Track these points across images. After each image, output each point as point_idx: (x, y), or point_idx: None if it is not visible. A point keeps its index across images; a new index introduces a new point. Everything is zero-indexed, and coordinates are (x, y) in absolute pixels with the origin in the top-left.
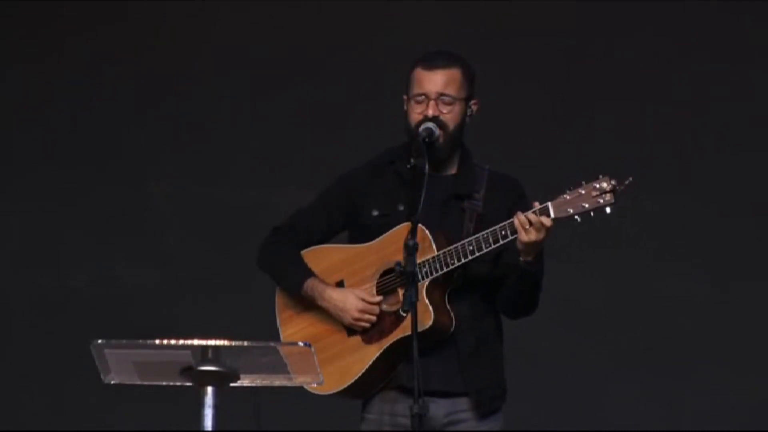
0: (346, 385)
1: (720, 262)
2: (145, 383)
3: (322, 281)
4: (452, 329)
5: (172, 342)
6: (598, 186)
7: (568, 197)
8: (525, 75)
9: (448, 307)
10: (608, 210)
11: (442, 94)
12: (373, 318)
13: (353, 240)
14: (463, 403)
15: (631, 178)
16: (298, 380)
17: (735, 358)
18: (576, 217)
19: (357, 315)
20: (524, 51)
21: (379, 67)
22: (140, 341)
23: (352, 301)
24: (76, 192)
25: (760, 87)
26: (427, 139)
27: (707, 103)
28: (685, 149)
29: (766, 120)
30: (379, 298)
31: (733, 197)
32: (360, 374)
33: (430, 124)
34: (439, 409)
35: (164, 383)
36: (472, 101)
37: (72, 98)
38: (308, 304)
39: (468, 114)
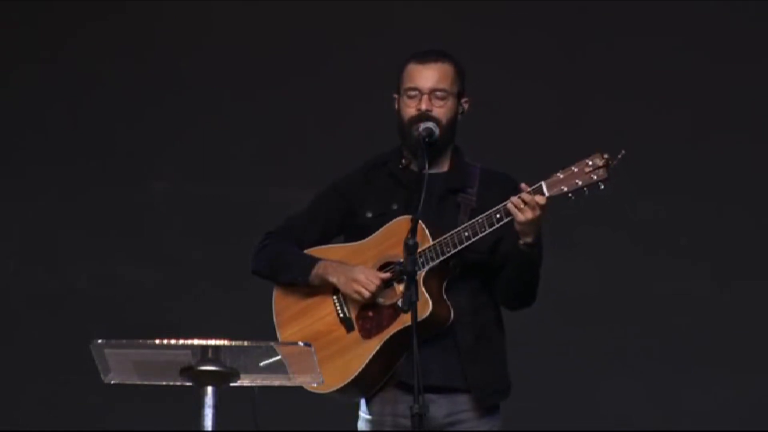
0: (347, 382)
1: (720, 261)
2: (145, 383)
3: (335, 260)
4: (450, 320)
5: (172, 342)
6: (590, 162)
7: (561, 175)
8: (524, 74)
9: (446, 298)
10: (602, 186)
11: (434, 90)
12: (372, 287)
13: (349, 242)
14: (463, 401)
15: (623, 152)
16: (297, 380)
17: (735, 357)
18: (570, 194)
19: (359, 276)
20: (523, 50)
21: (378, 66)
22: (140, 341)
23: (359, 268)
24: (76, 191)
25: (760, 86)
26: (427, 139)
27: (707, 102)
28: (685, 148)
29: (767, 119)
30: (387, 276)
31: (734, 196)
32: (360, 369)
33: (430, 124)
34: (439, 409)
35: (164, 383)
36: (464, 99)
37: (72, 97)
38: (306, 305)
39: (460, 111)
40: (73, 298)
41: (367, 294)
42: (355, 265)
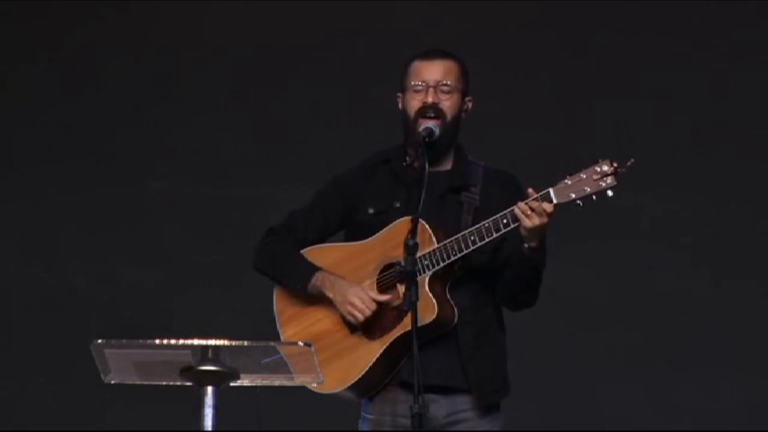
0: (350, 383)
1: (721, 261)
2: (145, 383)
3: (333, 273)
4: (455, 322)
5: (172, 342)
6: (599, 169)
7: (569, 182)
8: (524, 72)
9: (450, 299)
10: (610, 193)
11: (441, 83)
12: (368, 312)
13: (350, 239)
14: (463, 401)
15: (632, 160)
16: (298, 380)
17: (735, 357)
18: (578, 201)
19: (354, 300)
20: (524, 48)
21: (377, 64)
22: (140, 341)
23: (355, 290)
24: (76, 191)
25: (761, 85)
26: (427, 139)
27: (708, 101)
28: (686, 146)
29: (766, 118)
30: (385, 297)
31: (735, 195)
32: (364, 371)
33: (431, 124)
34: (439, 409)
35: (164, 383)
36: (467, 97)
37: (71, 97)
38: (308, 304)
39: (463, 109)
40: (73, 298)
41: (361, 318)
42: (352, 285)
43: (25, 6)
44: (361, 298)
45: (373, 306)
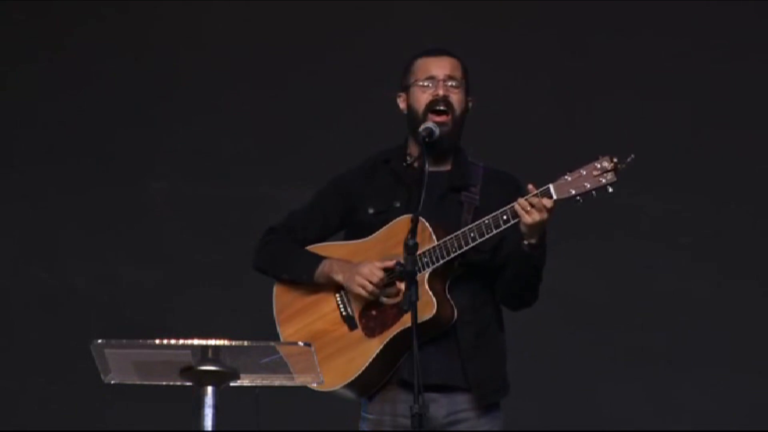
0: (349, 380)
1: (721, 261)
2: (145, 383)
3: (339, 258)
4: (454, 320)
5: (172, 342)
6: (599, 165)
7: (569, 178)
8: (524, 72)
9: (450, 298)
10: (610, 189)
11: (449, 77)
12: (376, 279)
13: (350, 239)
14: (463, 401)
15: (632, 156)
16: (298, 380)
17: (735, 357)
18: (578, 197)
19: (363, 270)
20: (524, 48)
21: (377, 64)
22: (140, 341)
23: (362, 263)
24: (76, 191)
25: (762, 85)
26: (427, 139)
27: (708, 101)
28: (686, 146)
29: (766, 118)
30: (390, 263)
31: (735, 195)
32: (364, 368)
33: (430, 124)
34: (439, 408)
35: (164, 383)
36: (469, 97)
37: (71, 97)
38: (307, 302)
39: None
40: (73, 298)
41: (370, 287)
42: (358, 263)
43: (25, 6)
44: (368, 268)
45: (381, 273)
